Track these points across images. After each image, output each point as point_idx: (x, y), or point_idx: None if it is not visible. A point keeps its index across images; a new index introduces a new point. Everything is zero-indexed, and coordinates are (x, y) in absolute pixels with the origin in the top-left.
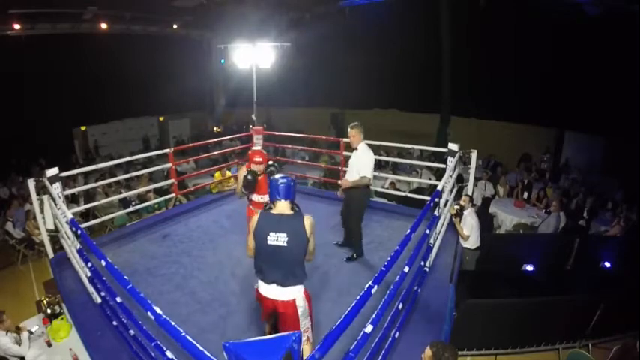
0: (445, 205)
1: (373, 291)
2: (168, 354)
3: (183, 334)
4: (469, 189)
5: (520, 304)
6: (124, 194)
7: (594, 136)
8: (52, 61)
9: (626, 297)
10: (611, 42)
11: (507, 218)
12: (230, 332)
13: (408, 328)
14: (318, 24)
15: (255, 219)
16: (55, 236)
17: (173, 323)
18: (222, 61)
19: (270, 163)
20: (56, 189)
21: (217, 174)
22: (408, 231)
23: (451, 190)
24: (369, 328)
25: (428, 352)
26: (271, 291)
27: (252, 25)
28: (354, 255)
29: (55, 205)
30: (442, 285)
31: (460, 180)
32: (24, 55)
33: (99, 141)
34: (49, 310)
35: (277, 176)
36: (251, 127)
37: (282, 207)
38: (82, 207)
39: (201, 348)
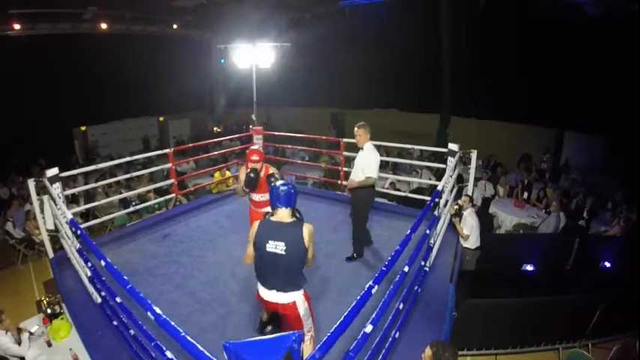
0: (445, 205)
1: (373, 291)
2: (168, 354)
3: (183, 334)
4: (469, 189)
5: (520, 304)
6: (124, 194)
7: (594, 136)
8: (52, 61)
9: (626, 297)
10: (611, 42)
11: (507, 218)
12: (230, 332)
13: (408, 328)
14: (318, 24)
15: (255, 226)
16: (55, 236)
17: (173, 323)
18: (222, 61)
19: (271, 172)
20: (56, 189)
21: (217, 174)
22: (408, 231)
23: (451, 190)
24: (369, 328)
25: (428, 352)
26: (271, 295)
27: (252, 25)
28: (354, 255)
29: (55, 205)
30: (442, 285)
31: (460, 180)
32: (24, 55)
33: (97, 141)
34: (49, 310)
35: (278, 183)
36: (251, 127)
37: (283, 214)
38: (82, 207)
39: (201, 348)
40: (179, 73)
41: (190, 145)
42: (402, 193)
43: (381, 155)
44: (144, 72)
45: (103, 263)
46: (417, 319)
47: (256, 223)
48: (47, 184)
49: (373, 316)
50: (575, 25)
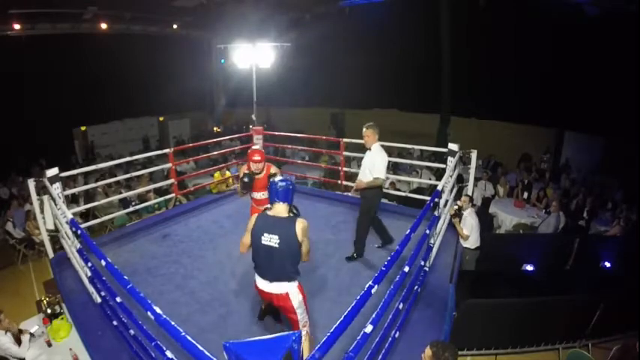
0: (445, 205)
1: (373, 291)
2: (168, 354)
3: (183, 334)
4: (469, 189)
5: (520, 304)
6: (124, 194)
7: (594, 136)
8: (52, 61)
9: (626, 297)
10: (611, 42)
11: (507, 218)
12: (230, 332)
13: (408, 328)
14: (318, 24)
15: (253, 219)
16: (55, 236)
17: (173, 323)
18: (222, 61)
19: (273, 172)
20: (56, 189)
21: (217, 174)
22: (408, 231)
23: (451, 190)
24: (369, 328)
25: (428, 352)
26: (266, 286)
27: (252, 25)
28: (354, 255)
29: (55, 205)
30: (442, 285)
31: (460, 180)
32: (24, 55)
33: (96, 141)
34: (49, 310)
35: (277, 179)
36: (251, 127)
37: (280, 209)
38: (82, 207)
39: (201, 348)
40: (179, 73)
41: (190, 145)
42: (402, 193)
43: None
44: (144, 72)
45: (103, 263)
46: (417, 319)
47: (255, 216)
48: (47, 184)
49: (373, 316)
50: (575, 25)
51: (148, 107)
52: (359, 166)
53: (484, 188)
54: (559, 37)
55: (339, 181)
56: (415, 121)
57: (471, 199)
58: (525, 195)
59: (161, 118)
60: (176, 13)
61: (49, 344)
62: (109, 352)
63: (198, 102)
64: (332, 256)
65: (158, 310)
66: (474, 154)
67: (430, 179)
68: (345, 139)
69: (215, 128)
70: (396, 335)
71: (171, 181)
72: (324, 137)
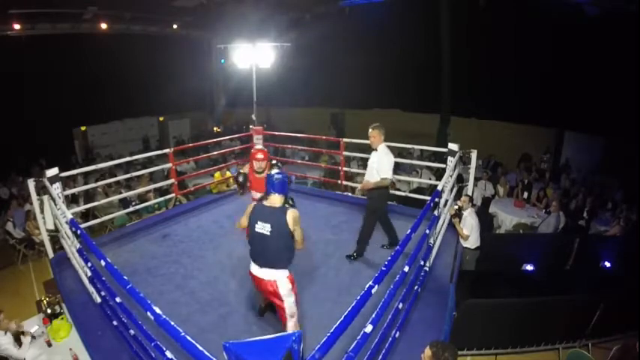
0: (445, 205)
1: (373, 291)
2: (168, 354)
3: (183, 334)
4: (469, 189)
5: (520, 304)
6: (124, 194)
7: (594, 136)
8: (52, 61)
9: (626, 297)
10: (611, 42)
11: (507, 218)
12: (230, 332)
13: (408, 328)
14: (318, 24)
15: (250, 207)
16: (55, 236)
17: (173, 323)
18: (222, 61)
19: (274, 162)
20: (56, 189)
21: (217, 174)
22: (408, 231)
23: (451, 190)
24: (369, 328)
25: (428, 352)
26: (257, 270)
27: (252, 25)
28: (354, 255)
29: (55, 205)
30: (442, 285)
31: (460, 180)
32: (24, 55)
33: (96, 141)
34: (49, 310)
35: (274, 171)
36: (251, 127)
37: (274, 200)
38: (82, 207)
39: (201, 348)
40: (179, 73)
41: (190, 145)
42: (402, 193)
43: None
44: (144, 72)
45: (103, 263)
46: (417, 319)
47: (252, 205)
48: (47, 184)
49: (373, 316)
50: (575, 25)
51: (147, 107)
52: (359, 165)
53: (484, 188)
54: (559, 37)
55: (339, 181)
56: (415, 121)
57: (471, 199)
58: (525, 195)
59: (161, 118)
60: (176, 13)
61: (49, 344)
62: (109, 352)
63: (198, 102)
64: (332, 256)
65: (158, 310)
66: (473, 154)
67: (430, 179)
68: (345, 139)
69: (215, 128)
70: (396, 335)
71: (172, 181)
72: (324, 137)
